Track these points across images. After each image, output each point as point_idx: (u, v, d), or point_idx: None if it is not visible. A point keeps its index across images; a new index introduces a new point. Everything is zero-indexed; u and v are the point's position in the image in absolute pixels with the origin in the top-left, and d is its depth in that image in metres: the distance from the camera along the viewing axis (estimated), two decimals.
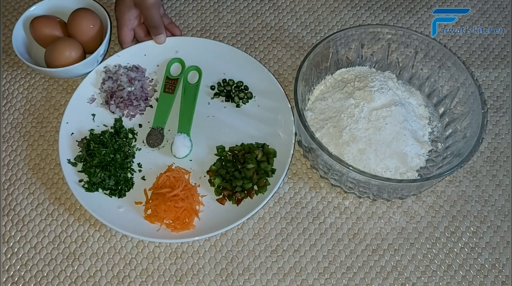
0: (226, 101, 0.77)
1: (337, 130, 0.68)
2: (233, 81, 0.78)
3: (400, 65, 0.76)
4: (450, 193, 0.71)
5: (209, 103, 0.77)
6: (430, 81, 0.74)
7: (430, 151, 0.70)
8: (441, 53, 0.71)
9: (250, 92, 0.77)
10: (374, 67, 0.77)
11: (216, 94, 0.77)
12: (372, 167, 0.66)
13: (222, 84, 0.78)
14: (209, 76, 0.79)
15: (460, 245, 0.67)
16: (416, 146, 0.68)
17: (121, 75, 0.76)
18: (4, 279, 0.65)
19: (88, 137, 0.72)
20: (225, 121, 0.75)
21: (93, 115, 0.75)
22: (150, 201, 0.67)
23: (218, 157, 0.72)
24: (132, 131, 0.74)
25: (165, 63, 0.80)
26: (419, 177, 0.67)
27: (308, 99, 0.74)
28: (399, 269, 0.66)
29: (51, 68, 0.74)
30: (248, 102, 0.77)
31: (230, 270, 0.66)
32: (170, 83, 0.78)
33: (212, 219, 0.67)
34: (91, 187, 0.68)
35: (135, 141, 0.73)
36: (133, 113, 0.75)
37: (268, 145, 0.72)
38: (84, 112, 0.75)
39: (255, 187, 0.69)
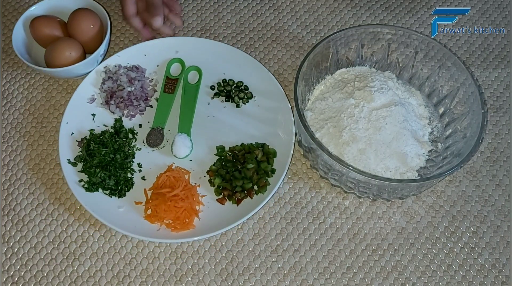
0: (226, 101, 0.77)
1: (337, 130, 0.68)
2: (233, 81, 0.78)
3: (400, 65, 0.76)
4: (450, 193, 0.71)
5: (209, 103, 0.77)
6: (430, 81, 0.74)
7: (430, 151, 0.70)
8: (441, 53, 0.72)
9: (250, 92, 0.77)
10: (374, 67, 0.77)
11: (216, 94, 0.77)
12: (372, 167, 0.66)
13: (222, 84, 0.78)
14: (209, 76, 0.79)
15: (460, 245, 0.67)
16: (416, 146, 0.68)
17: (121, 75, 0.76)
18: (4, 279, 0.65)
19: (88, 137, 0.72)
20: (225, 121, 0.75)
21: (93, 115, 0.75)
22: (150, 201, 0.67)
23: (218, 157, 0.72)
24: (132, 131, 0.74)
25: (165, 63, 0.80)
26: (419, 177, 0.67)
27: (308, 99, 0.74)
28: (399, 269, 0.66)
29: (51, 68, 0.74)
30: (248, 102, 0.77)
31: (230, 270, 0.66)
32: (170, 83, 0.78)
33: (212, 219, 0.67)
34: (91, 187, 0.68)
35: (135, 141, 0.73)
36: (133, 113, 0.75)
37: (268, 145, 0.72)
38: (84, 112, 0.75)
39: (255, 187, 0.69)
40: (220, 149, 0.72)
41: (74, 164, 0.70)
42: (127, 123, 0.75)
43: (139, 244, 0.67)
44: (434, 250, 0.67)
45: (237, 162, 0.70)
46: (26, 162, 0.73)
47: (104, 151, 0.70)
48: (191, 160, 0.72)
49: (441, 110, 0.73)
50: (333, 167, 0.65)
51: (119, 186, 0.69)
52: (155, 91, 0.78)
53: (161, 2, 0.78)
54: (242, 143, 0.72)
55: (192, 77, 0.79)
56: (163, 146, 0.73)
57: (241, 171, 0.69)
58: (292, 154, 0.70)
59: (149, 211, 0.67)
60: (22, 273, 0.65)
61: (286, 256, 0.66)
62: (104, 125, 0.74)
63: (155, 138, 0.73)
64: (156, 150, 0.73)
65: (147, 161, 0.72)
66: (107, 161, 0.69)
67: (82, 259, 0.66)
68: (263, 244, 0.67)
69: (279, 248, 0.67)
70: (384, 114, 0.67)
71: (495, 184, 0.72)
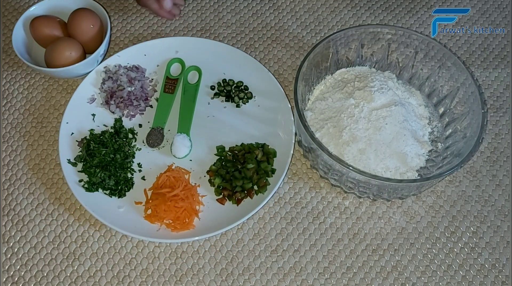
0: (226, 101, 0.77)
1: (337, 130, 0.68)
2: (233, 81, 0.78)
3: (400, 65, 0.76)
4: (450, 193, 0.71)
5: (209, 103, 0.77)
6: (430, 81, 0.74)
7: (430, 151, 0.70)
8: (441, 53, 0.72)
9: (250, 92, 0.77)
10: (374, 67, 0.77)
11: (216, 94, 0.77)
12: (372, 167, 0.66)
13: (222, 84, 0.78)
14: (209, 76, 0.79)
15: (460, 245, 0.67)
16: (416, 146, 0.68)
17: (121, 75, 0.76)
18: (4, 279, 0.65)
19: (88, 137, 0.72)
20: (225, 121, 0.75)
21: (93, 115, 0.75)
22: (150, 201, 0.67)
23: (218, 157, 0.72)
24: (132, 131, 0.74)
25: (165, 63, 0.80)
26: (419, 177, 0.67)
27: (308, 99, 0.74)
28: (399, 269, 0.66)
29: (51, 68, 0.74)
30: (248, 102, 0.77)
31: (230, 270, 0.66)
32: (170, 83, 0.78)
33: (212, 219, 0.67)
34: (91, 187, 0.68)
35: (135, 141, 0.73)
36: (133, 113, 0.75)
37: (268, 145, 0.72)
38: (84, 112, 0.75)
39: (255, 187, 0.69)
40: (220, 149, 0.72)
41: (74, 164, 0.70)
42: (127, 123, 0.75)
43: (139, 244, 0.67)
44: (434, 250, 0.67)
45: (237, 162, 0.70)
46: (26, 162, 0.73)
47: (104, 151, 0.70)
48: (191, 160, 0.72)
49: (441, 110, 0.73)
50: (333, 167, 0.65)
51: (119, 186, 0.69)
52: (155, 91, 0.78)
53: None
54: (242, 143, 0.72)
55: (192, 77, 0.79)
56: (163, 146, 0.73)
57: (241, 171, 0.69)
58: (292, 154, 0.70)
59: (149, 211, 0.67)
60: (22, 273, 0.65)
61: (286, 256, 0.66)
62: (104, 125, 0.74)
63: (155, 138, 0.73)
64: (156, 150, 0.73)
65: (147, 161, 0.72)
66: (107, 161, 0.69)
67: (82, 259, 0.66)
68: (263, 244, 0.67)
69: (279, 248, 0.67)
70: (384, 114, 0.67)
71: (495, 184, 0.72)
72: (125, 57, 0.79)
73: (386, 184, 0.63)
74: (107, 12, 0.79)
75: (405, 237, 0.68)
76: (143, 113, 0.76)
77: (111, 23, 0.79)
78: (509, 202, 0.71)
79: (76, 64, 0.73)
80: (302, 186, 0.71)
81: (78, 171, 0.69)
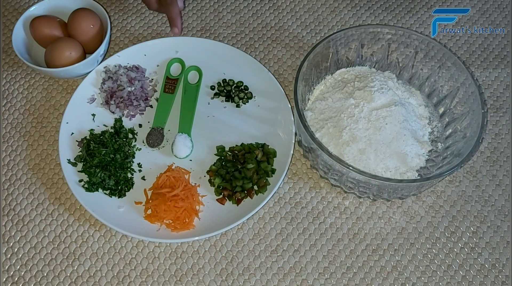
0: (226, 101, 0.77)
1: (337, 130, 0.68)
2: (233, 81, 0.78)
3: (400, 65, 0.76)
4: (450, 193, 0.71)
5: (209, 103, 0.77)
6: (430, 81, 0.74)
7: (430, 151, 0.70)
8: (441, 53, 0.72)
9: (250, 92, 0.77)
10: (374, 67, 0.77)
11: (216, 94, 0.77)
12: (372, 167, 0.66)
13: (222, 84, 0.78)
14: (209, 76, 0.79)
15: (460, 245, 0.67)
16: (416, 146, 0.68)
17: (121, 75, 0.76)
18: (4, 279, 0.65)
19: (88, 137, 0.72)
20: (225, 121, 0.75)
21: (93, 115, 0.75)
22: (150, 201, 0.67)
23: (218, 157, 0.72)
24: (132, 131, 0.74)
25: (165, 63, 0.80)
26: (419, 177, 0.67)
27: (308, 99, 0.74)
28: (399, 269, 0.66)
29: (51, 68, 0.74)
30: (248, 102, 0.77)
31: (230, 270, 0.66)
32: (170, 83, 0.78)
33: (212, 219, 0.67)
34: (91, 187, 0.68)
35: (135, 141, 0.73)
36: (133, 113, 0.75)
37: (268, 145, 0.72)
38: (84, 112, 0.75)
39: (255, 187, 0.69)
40: (220, 149, 0.72)
41: (74, 164, 0.70)
42: (127, 123, 0.75)
43: (139, 244, 0.67)
44: (434, 250, 0.67)
45: (237, 162, 0.70)
46: (26, 162, 0.73)
47: (104, 151, 0.70)
48: (191, 160, 0.72)
49: (441, 110, 0.73)
50: (333, 167, 0.65)
51: (119, 186, 0.69)
52: (155, 91, 0.78)
53: (178, 13, 0.80)
54: (242, 143, 0.72)
55: (192, 77, 0.79)
56: (163, 146, 0.73)
57: (241, 171, 0.69)
58: (292, 154, 0.70)
59: (149, 211, 0.67)
60: (22, 273, 0.65)
61: (286, 256, 0.66)
62: (104, 125, 0.74)
63: (155, 138, 0.73)
64: (156, 150, 0.73)
65: (147, 161, 0.72)
66: (107, 161, 0.69)
67: (82, 259, 0.66)
68: (263, 244, 0.67)
69: (279, 248, 0.67)
70: (384, 114, 0.67)
71: (495, 184, 0.72)
72: (125, 57, 0.79)
73: (386, 184, 0.63)
74: (107, 12, 0.79)
75: (405, 237, 0.68)
76: (143, 113, 0.76)
77: (111, 23, 0.79)
78: (509, 202, 0.71)
79: (76, 64, 0.73)
80: (302, 186, 0.71)
81: (78, 171, 0.69)
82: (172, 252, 0.66)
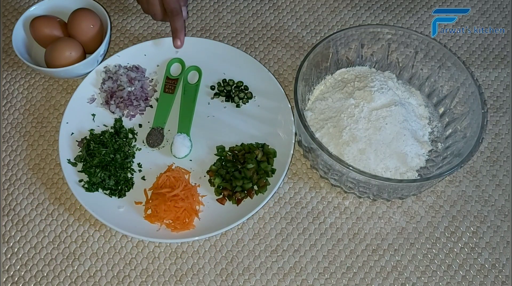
0: (226, 101, 0.77)
1: (337, 130, 0.68)
2: (233, 81, 0.78)
3: (400, 65, 0.76)
4: (450, 193, 0.71)
5: (209, 103, 0.77)
6: (430, 81, 0.74)
7: (430, 151, 0.70)
8: (441, 53, 0.72)
9: (250, 92, 0.77)
10: (374, 67, 0.77)
11: (216, 94, 0.77)
12: (372, 167, 0.66)
13: (222, 84, 0.78)
14: (209, 76, 0.79)
15: (460, 245, 0.67)
16: (416, 146, 0.68)
17: (121, 75, 0.76)
18: (4, 279, 0.65)
19: (88, 137, 0.72)
20: (225, 121, 0.75)
21: (93, 115, 0.75)
22: (150, 201, 0.67)
23: (218, 157, 0.72)
24: (132, 131, 0.74)
25: (165, 63, 0.80)
26: (419, 177, 0.67)
27: (308, 99, 0.74)
28: (399, 269, 0.66)
29: (51, 68, 0.74)
30: (248, 102, 0.77)
31: (230, 270, 0.66)
32: (170, 83, 0.78)
33: (212, 219, 0.67)
34: (91, 187, 0.68)
35: (135, 141, 0.73)
36: (133, 113, 0.75)
37: (268, 145, 0.72)
38: (84, 112, 0.75)
39: (255, 187, 0.69)
40: (220, 149, 0.72)
41: (74, 164, 0.70)
42: (127, 123, 0.75)
43: (139, 244, 0.67)
44: (434, 250, 0.67)
45: (237, 162, 0.70)
46: (26, 162, 0.73)
47: (104, 151, 0.70)
48: (191, 160, 0.72)
49: (441, 110, 0.73)
50: (333, 167, 0.65)
51: (119, 186, 0.69)
52: (155, 91, 0.78)
53: (183, 24, 0.76)
54: (242, 143, 0.72)
55: (192, 77, 0.79)
56: (163, 146, 0.73)
57: (241, 171, 0.69)
58: (292, 154, 0.70)
59: (149, 211, 0.67)
60: (22, 273, 0.65)
61: (286, 256, 0.66)
62: (104, 125, 0.74)
63: (155, 138, 0.73)
64: (156, 150, 0.73)
65: (147, 161, 0.72)
66: (107, 161, 0.69)
67: (82, 259, 0.66)
68: (263, 244, 0.67)
69: (279, 248, 0.67)
70: (384, 114, 0.67)
71: (495, 184, 0.72)
72: (125, 57, 0.79)
73: (386, 184, 0.63)
74: (107, 12, 0.79)
75: (405, 237, 0.68)
76: (143, 113, 0.76)
77: (111, 23, 0.79)
78: (509, 202, 0.71)
79: (76, 64, 0.73)
80: (302, 186, 0.71)
81: (78, 171, 0.69)
82: (172, 252, 0.66)
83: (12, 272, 0.65)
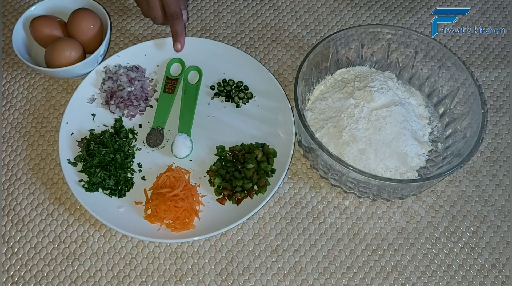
0: (226, 101, 0.77)
1: (337, 130, 0.68)
2: (233, 81, 0.78)
3: (400, 65, 0.76)
4: (450, 193, 0.71)
5: (209, 103, 0.77)
6: (430, 81, 0.74)
7: (430, 151, 0.70)
8: (441, 53, 0.72)
9: (250, 92, 0.77)
10: (374, 67, 0.77)
11: (216, 94, 0.77)
12: (372, 167, 0.66)
13: (222, 84, 0.78)
14: (209, 76, 0.79)
15: (460, 245, 0.67)
16: (416, 146, 0.68)
17: (121, 75, 0.76)
18: (4, 279, 0.65)
19: (88, 137, 0.72)
20: (225, 121, 0.75)
21: (93, 115, 0.75)
22: (150, 201, 0.67)
23: (218, 157, 0.72)
24: (132, 131, 0.74)
25: (165, 63, 0.80)
26: (419, 177, 0.67)
27: (308, 99, 0.74)
28: (399, 269, 0.66)
29: (51, 68, 0.74)
30: (248, 102, 0.77)
31: (230, 270, 0.66)
32: (170, 83, 0.78)
33: (212, 219, 0.67)
34: (91, 187, 0.68)
35: (135, 141, 0.73)
36: (133, 113, 0.75)
37: (268, 145, 0.72)
38: (84, 112, 0.75)
39: (255, 187, 0.69)
40: (220, 149, 0.72)
41: (74, 164, 0.70)
42: (127, 123, 0.75)
43: (139, 244, 0.67)
44: (434, 250, 0.67)
45: (237, 162, 0.70)
46: (26, 162, 0.73)
47: (104, 151, 0.70)
48: (191, 160, 0.72)
49: (441, 110, 0.73)
50: (333, 167, 0.65)
51: (119, 186, 0.69)
52: (155, 91, 0.78)
53: (183, 28, 0.75)
54: (242, 143, 0.72)
55: (192, 77, 0.79)
56: (163, 146, 0.73)
57: (241, 171, 0.69)
58: (292, 154, 0.70)
59: (149, 211, 0.67)
60: (22, 273, 0.65)
61: (286, 256, 0.66)
62: (104, 125, 0.74)
63: (155, 138, 0.73)
64: (156, 150, 0.73)
65: (147, 161, 0.72)
66: (107, 161, 0.69)
67: (82, 259, 0.66)
68: (263, 244, 0.67)
69: (279, 248, 0.67)
70: (384, 114, 0.67)
71: (495, 184, 0.72)
72: (125, 57, 0.79)
73: (386, 184, 0.63)
74: (107, 12, 0.79)
75: (405, 237, 0.68)
76: (143, 113, 0.76)
77: (111, 23, 0.79)
78: (509, 202, 0.71)
79: (76, 64, 0.73)
80: (302, 186, 0.71)
81: (78, 171, 0.70)
82: (172, 252, 0.66)
83: (12, 272, 0.65)
